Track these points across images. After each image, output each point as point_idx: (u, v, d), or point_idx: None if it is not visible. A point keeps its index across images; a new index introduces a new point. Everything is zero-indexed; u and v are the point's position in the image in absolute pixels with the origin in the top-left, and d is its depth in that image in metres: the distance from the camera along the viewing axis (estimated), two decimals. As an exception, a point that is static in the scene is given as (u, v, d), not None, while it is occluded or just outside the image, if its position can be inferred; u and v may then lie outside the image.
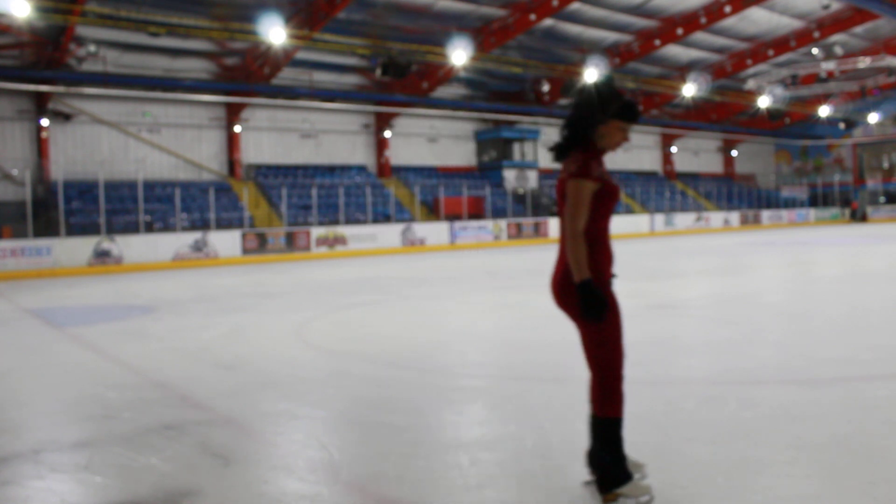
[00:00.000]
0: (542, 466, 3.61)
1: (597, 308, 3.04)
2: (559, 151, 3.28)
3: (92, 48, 23.40)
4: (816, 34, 32.20)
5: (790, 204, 47.70)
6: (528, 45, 30.06)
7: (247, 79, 27.30)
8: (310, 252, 24.39)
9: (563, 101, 36.01)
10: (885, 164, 47.59)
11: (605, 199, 3.18)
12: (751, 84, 36.00)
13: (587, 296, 3.04)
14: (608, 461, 3.13)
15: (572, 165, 3.17)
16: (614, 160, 39.09)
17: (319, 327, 8.60)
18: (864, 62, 32.64)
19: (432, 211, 30.74)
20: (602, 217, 3.19)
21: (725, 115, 42.50)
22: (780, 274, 14.34)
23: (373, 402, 5.02)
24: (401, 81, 29.00)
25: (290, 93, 28.82)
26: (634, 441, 3.64)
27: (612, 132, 3.24)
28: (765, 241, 26.41)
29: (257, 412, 4.85)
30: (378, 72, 25.42)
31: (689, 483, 3.32)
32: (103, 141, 26.09)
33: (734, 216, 40.34)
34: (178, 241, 21.93)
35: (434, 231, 27.84)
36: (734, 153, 48.36)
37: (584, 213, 3.11)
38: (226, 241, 22.82)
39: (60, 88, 24.02)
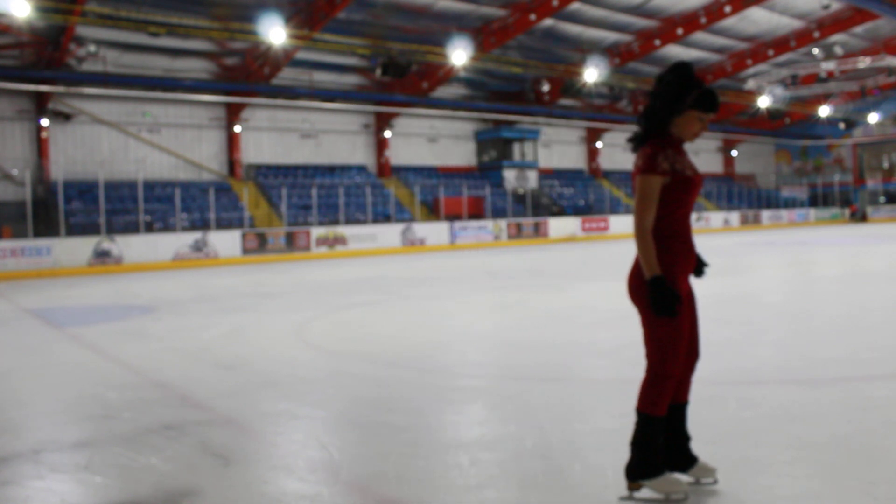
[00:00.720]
0: (542, 466, 3.61)
1: (666, 305, 2.96)
2: (637, 143, 3.19)
3: (92, 48, 23.41)
4: (816, 34, 32.20)
5: (790, 204, 47.69)
6: (528, 45, 30.05)
7: (247, 79, 27.31)
8: (310, 252, 24.39)
9: (564, 101, 36.03)
10: (885, 164, 47.61)
11: (677, 191, 3.06)
12: (751, 84, 35.99)
13: (656, 293, 2.96)
14: (639, 452, 3.16)
15: (639, 159, 3.09)
16: (613, 160, 39.26)
17: (319, 327, 8.59)
18: (864, 62, 32.65)
19: (432, 211, 30.73)
20: (674, 210, 3.08)
21: (725, 115, 42.46)
22: (780, 274, 14.34)
23: (373, 402, 5.02)
24: (401, 81, 29.00)
25: (290, 93, 28.82)
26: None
27: (690, 122, 3.12)
28: (765, 241, 26.40)
29: (257, 412, 4.85)
30: (378, 72, 25.44)
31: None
32: (103, 141, 26.09)
33: (734, 216, 40.33)
34: (178, 241, 21.92)
35: (434, 231, 27.84)
36: (734, 153, 48.34)
37: (651, 210, 3.03)
38: (226, 241, 22.82)
39: (60, 88, 24.02)
